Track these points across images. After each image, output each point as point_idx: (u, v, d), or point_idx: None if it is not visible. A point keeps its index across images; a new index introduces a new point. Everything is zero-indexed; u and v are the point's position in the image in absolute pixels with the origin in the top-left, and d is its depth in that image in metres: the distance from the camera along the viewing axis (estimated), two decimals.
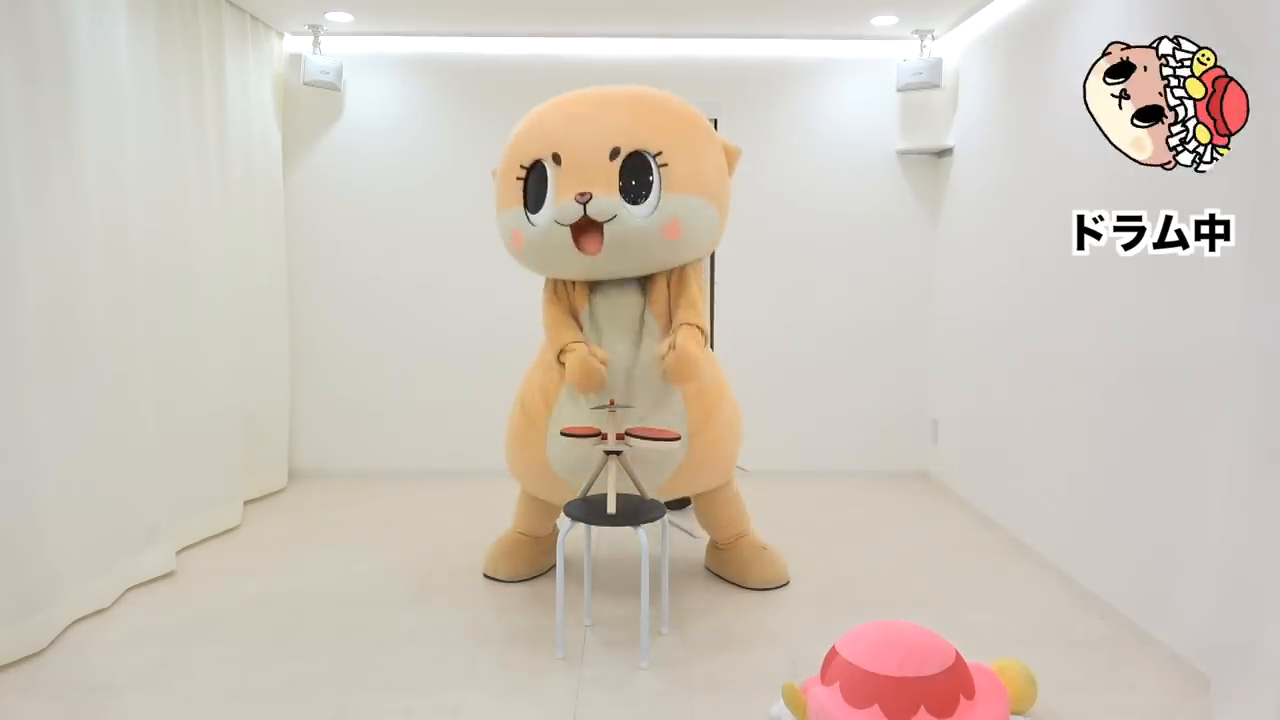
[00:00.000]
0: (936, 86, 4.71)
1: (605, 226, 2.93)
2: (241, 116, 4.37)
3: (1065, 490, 3.54)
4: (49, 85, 2.97)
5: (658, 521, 2.96)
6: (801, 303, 5.11)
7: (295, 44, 4.91)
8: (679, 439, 3.02)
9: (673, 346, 2.95)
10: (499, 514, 4.37)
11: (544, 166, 3.01)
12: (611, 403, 3.05)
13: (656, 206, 2.97)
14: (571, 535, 3.90)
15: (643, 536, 2.81)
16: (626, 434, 2.98)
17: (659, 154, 2.97)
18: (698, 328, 3.08)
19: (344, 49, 4.90)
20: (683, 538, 4.05)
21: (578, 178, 2.94)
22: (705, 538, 3.91)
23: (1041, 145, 3.77)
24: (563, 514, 3.38)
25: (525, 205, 3.06)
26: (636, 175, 2.96)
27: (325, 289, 5.06)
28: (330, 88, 4.77)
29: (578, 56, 4.93)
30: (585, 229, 2.96)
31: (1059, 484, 3.59)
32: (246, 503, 4.47)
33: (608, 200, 2.92)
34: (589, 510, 2.91)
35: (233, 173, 4.29)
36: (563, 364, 3.09)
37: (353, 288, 5.06)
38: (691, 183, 3.04)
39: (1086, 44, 3.40)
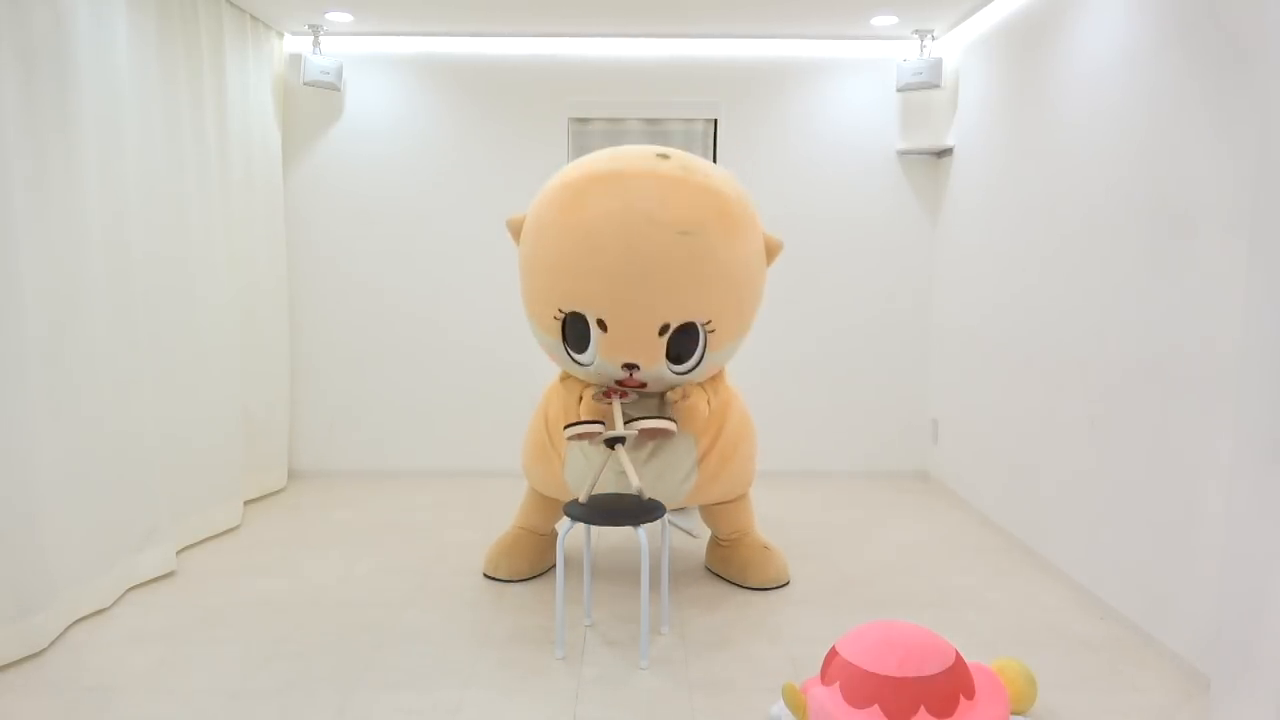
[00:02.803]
0: (936, 86, 4.71)
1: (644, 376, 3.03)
2: (241, 116, 4.37)
3: (1065, 490, 3.54)
4: (49, 85, 2.97)
5: (658, 521, 2.96)
6: (801, 303, 5.11)
7: (295, 44, 4.91)
8: (675, 423, 3.08)
9: (685, 395, 3.07)
10: (499, 514, 4.38)
11: (585, 318, 2.95)
12: (612, 390, 3.06)
13: (699, 364, 3.04)
14: (572, 535, 3.91)
15: (643, 536, 2.81)
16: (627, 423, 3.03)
17: (708, 322, 2.96)
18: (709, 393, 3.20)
19: (344, 49, 4.91)
20: (683, 537, 4.05)
21: (625, 348, 2.94)
22: (705, 537, 3.91)
23: (1041, 145, 3.77)
24: (563, 514, 3.39)
25: (564, 340, 3.04)
26: (683, 340, 2.97)
27: (325, 289, 5.06)
28: (330, 88, 4.77)
29: (578, 56, 4.93)
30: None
31: (1059, 484, 3.59)
32: (246, 503, 4.48)
33: (655, 370, 2.99)
34: (589, 510, 2.91)
35: (233, 173, 4.29)
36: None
37: (353, 288, 5.06)
38: (736, 334, 3.08)
39: (1086, 44, 3.40)
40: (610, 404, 3.11)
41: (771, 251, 3.15)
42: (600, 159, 3.02)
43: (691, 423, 3.11)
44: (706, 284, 2.89)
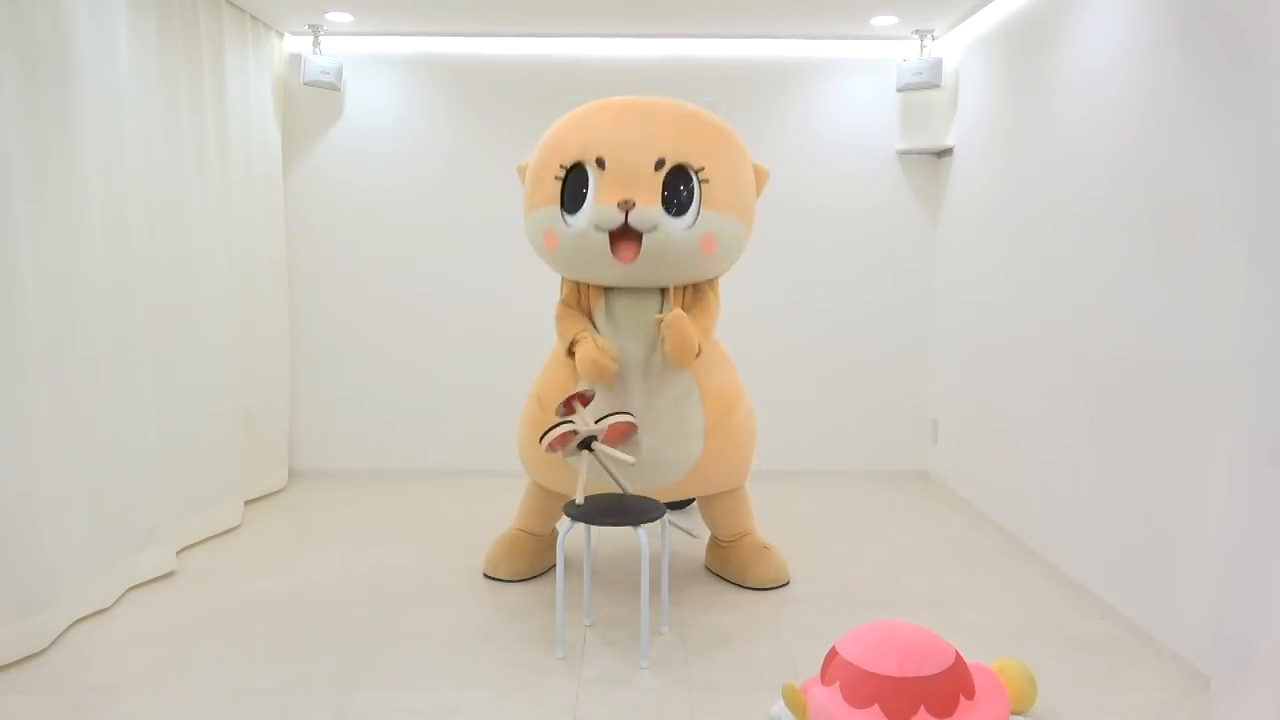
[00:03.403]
0: (936, 86, 4.71)
1: (644, 236, 2.97)
2: (241, 116, 4.37)
3: (1065, 490, 3.54)
4: (49, 85, 2.97)
5: (658, 521, 2.96)
6: (801, 303, 5.11)
7: (295, 44, 4.91)
8: (636, 429, 3.10)
9: (662, 320, 3.04)
10: (499, 514, 4.38)
11: (585, 169, 3.02)
12: (575, 397, 3.04)
13: (695, 221, 3.02)
14: (571, 535, 3.91)
15: (643, 536, 2.81)
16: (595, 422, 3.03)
17: (701, 169, 3.01)
18: (702, 329, 3.17)
19: (344, 49, 4.91)
20: (683, 537, 4.05)
21: (621, 185, 2.95)
22: (705, 537, 3.91)
23: (1041, 145, 3.77)
24: (563, 514, 3.38)
25: (562, 205, 3.07)
26: (678, 188, 3.00)
27: (325, 289, 5.06)
28: (330, 88, 4.77)
29: (578, 56, 4.93)
30: (623, 236, 2.99)
31: (1059, 484, 3.59)
32: (246, 503, 4.48)
33: (650, 210, 2.95)
34: (589, 510, 2.91)
35: (233, 173, 4.29)
36: (573, 355, 3.16)
37: (353, 287, 5.06)
38: (729, 200, 3.09)
39: (1086, 44, 3.40)
40: (572, 415, 3.08)
41: (760, 177, 3.27)
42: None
43: (680, 347, 3.01)
44: (704, 135, 3.07)
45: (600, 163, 2.98)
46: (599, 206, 2.96)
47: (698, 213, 3.01)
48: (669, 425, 3.15)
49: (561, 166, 3.05)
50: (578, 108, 3.26)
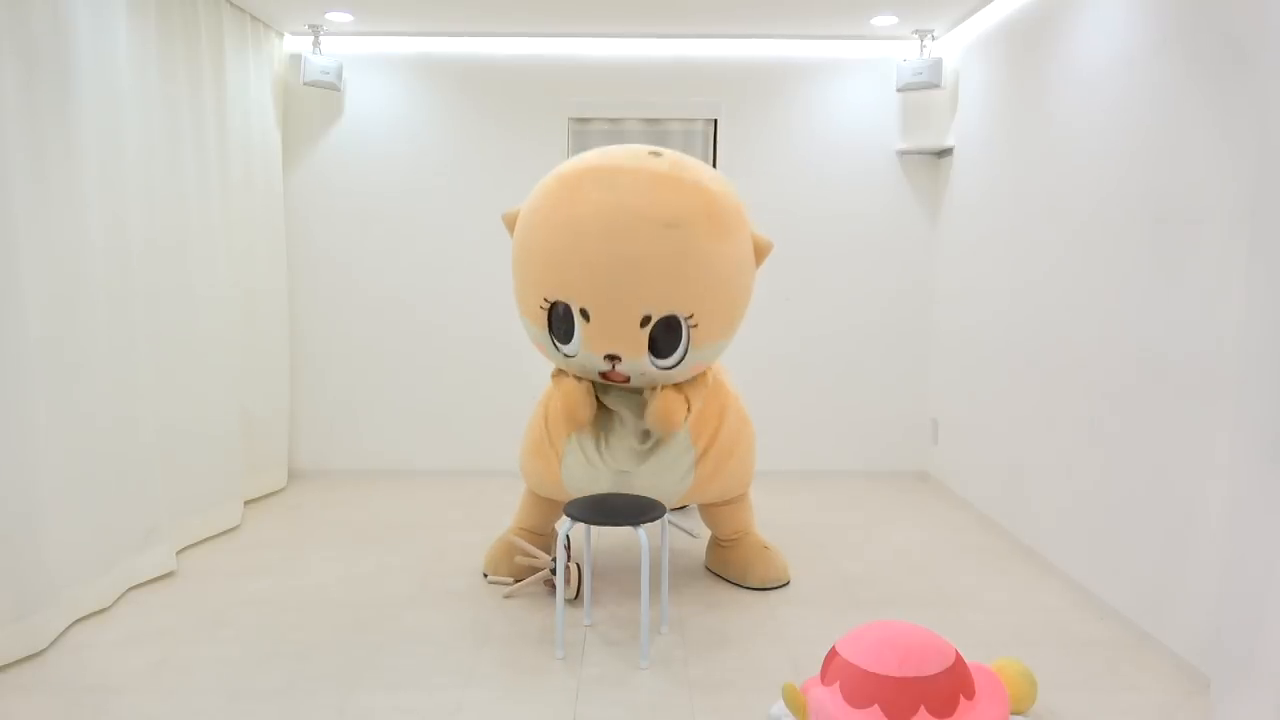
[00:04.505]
0: (936, 86, 4.71)
1: (632, 376, 3.05)
2: (241, 116, 4.37)
3: (1065, 490, 3.54)
4: (49, 85, 2.97)
5: (658, 521, 2.96)
6: (801, 303, 5.11)
7: (295, 44, 4.91)
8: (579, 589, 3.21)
9: (659, 406, 3.08)
10: (499, 514, 4.38)
11: (570, 307, 2.98)
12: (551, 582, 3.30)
13: (682, 360, 3.03)
14: (571, 535, 3.90)
15: (643, 536, 2.81)
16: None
17: (690, 316, 2.96)
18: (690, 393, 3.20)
19: (344, 49, 4.91)
20: (683, 537, 4.05)
21: (607, 338, 2.95)
22: (705, 537, 3.91)
23: (1041, 145, 3.77)
24: (563, 514, 3.39)
25: (551, 331, 3.06)
26: (666, 334, 2.97)
27: (325, 289, 5.06)
28: (330, 88, 4.77)
29: (578, 56, 4.93)
30: (614, 367, 3.04)
31: (1059, 484, 3.59)
32: (246, 503, 4.48)
33: (636, 363, 2.99)
34: (589, 510, 2.91)
35: (232, 173, 4.29)
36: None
37: (352, 287, 5.06)
38: (720, 331, 3.08)
39: (1086, 44, 3.40)
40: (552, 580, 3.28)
41: (761, 252, 3.15)
42: (593, 155, 3.08)
43: (666, 421, 3.06)
44: (690, 278, 2.90)
45: (585, 314, 2.94)
46: (586, 353, 3.00)
47: (685, 353, 3.02)
48: (658, 462, 3.20)
49: (546, 300, 3.01)
50: (553, 198, 2.98)
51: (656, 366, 3.01)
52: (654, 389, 3.14)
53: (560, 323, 3.01)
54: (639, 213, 2.85)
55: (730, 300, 3.06)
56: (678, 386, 3.15)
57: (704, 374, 3.26)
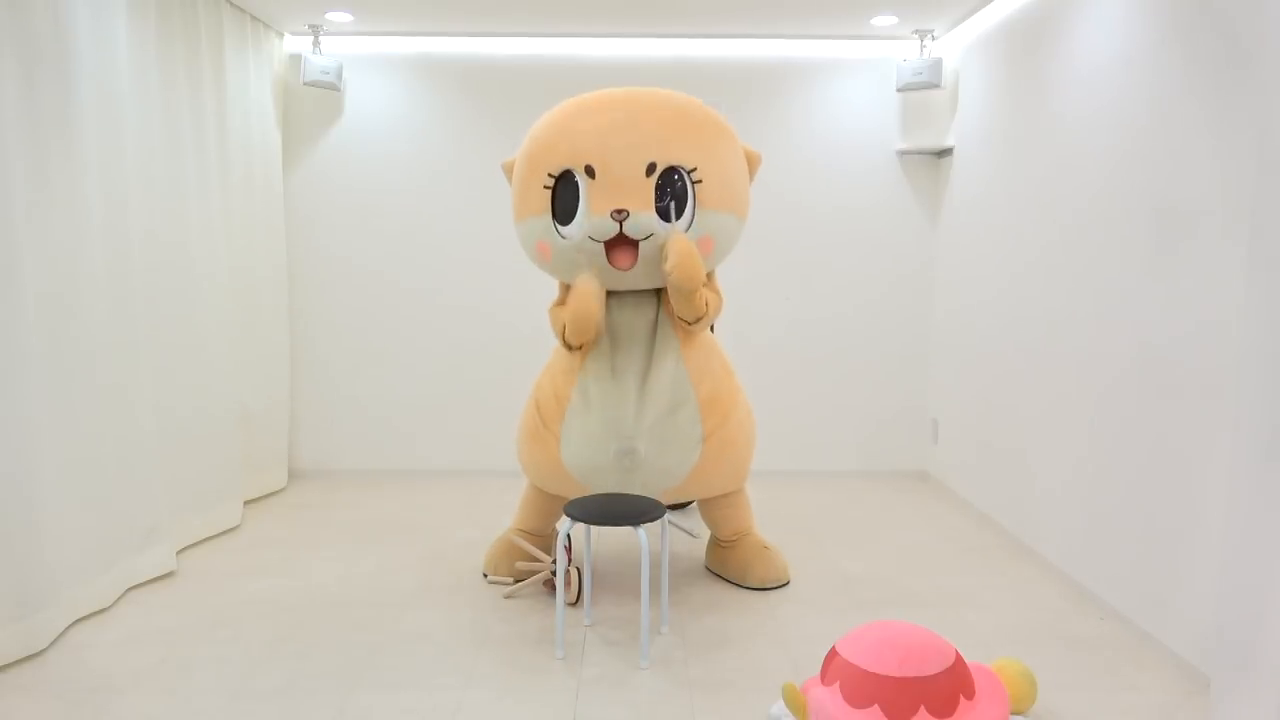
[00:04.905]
0: (936, 86, 4.71)
1: (640, 242, 2.97)
2: (241, 116, 4.37)
3: (1065, 490, 3.54)
4: (49, 85, 2.97)
5: (658, 521, 2.96)
6: (802, 302, 5.11)
7: (295, 44, 4.91)
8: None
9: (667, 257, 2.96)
10: (499, 514, 4.38)
11: (574, 176, 2.99)
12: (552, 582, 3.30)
13: (691, 223, 3.00)
14: (571, 535, 3.90)
15: (643, 536, 2.81)
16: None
17: (694, 170, 2.97)
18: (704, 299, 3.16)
19: (344, 49, 4.91)
20: (683, 537, 4.05)
21: (613, 193, 2.93)
22: (705, 537, 3.91)
23: (1041, 145, 3.77)
24: (563, 514, 3.39)
25: (554, 215, 3.04)
26: (671, 191, 2.97)
27: (325, 288, 5.06)
28: (330, 88, 4.77)
29: (578, 56, 4.93)
30: (619, 243, 2.99)
31: (1059, 483, 3.59)
32: (246, 503, 4.48)
33: (644, 218, 2.94)
34: (589, 510, 2.91)
35: (233, 172, 4.29)
36: (567, 345, 3.18)
37: (352, 287, 5.07)
38: (724, 198, 3.07)
39: (1086, 44, 3.40)
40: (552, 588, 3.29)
41: (752, 163, 3.24)
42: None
43: (684, 259, 2.90)
44: (691, 132, 3.02)
45: (590, 171, 2.95)
46: (593, 217, 2.95)
47: (693, 215, 3.00)
48: (666, 433, 3.15)
49: (550, 175, 3.01)
50: (559, 105, 3.20)
51: (667, 228, 2.98)
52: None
53: (563, 200, 3.01)
54: (640, 94, 3.09)
55: (731, 173, 3.10)
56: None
57: (715, 278, 3.28)
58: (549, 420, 3.26)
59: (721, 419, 3.24)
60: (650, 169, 2.94)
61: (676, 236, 2.98)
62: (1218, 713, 2.30)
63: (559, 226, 3.03)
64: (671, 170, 2.97)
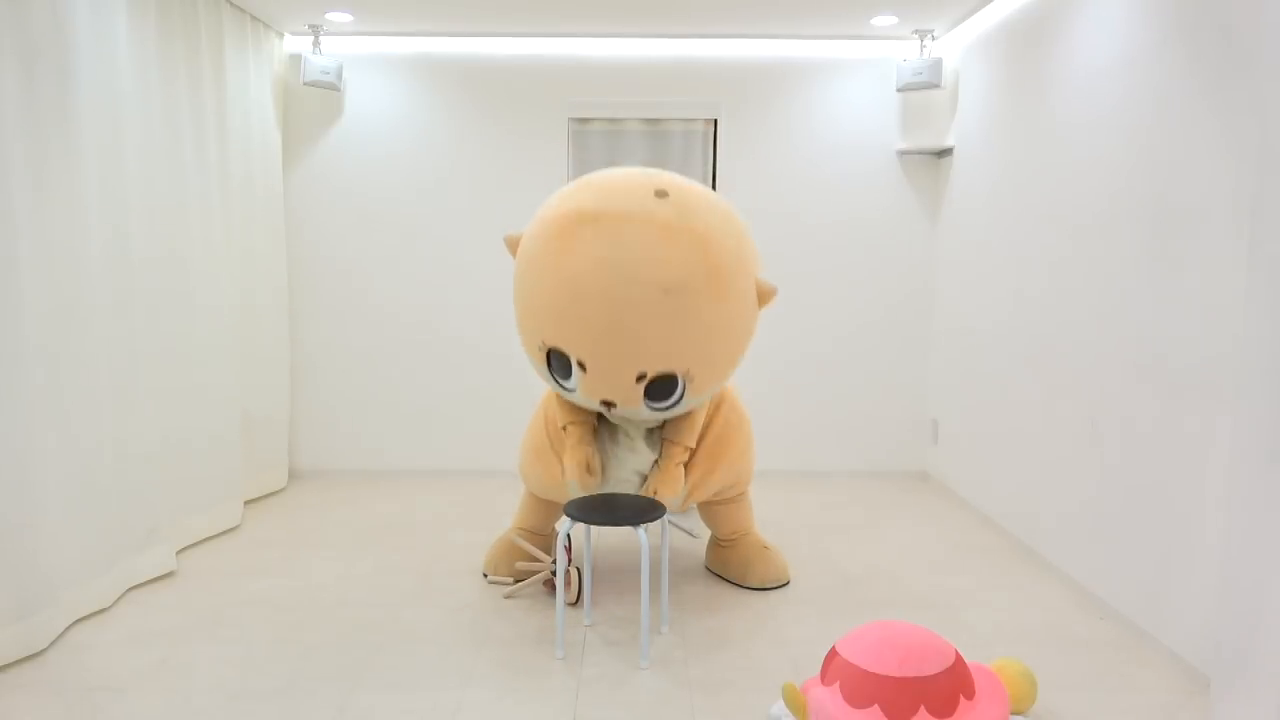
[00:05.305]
0: (936, 86, 4.71)
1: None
2: (241, 116, 4.37)
3: (1065, 490, 3.54)
4: (49, 85, 2.97)
5: (658, 521, 2.96)
6: (802, 303, 5.11)
7: (295, 44, 4.91)
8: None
9: (654, 491, 3.15)
10: (499, 514, 4.38)
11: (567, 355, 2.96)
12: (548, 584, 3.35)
13: (678, 405, 3.04)
14: (572, 535, 3.90)
15: (643, 536, 2.81)
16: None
17: (686, 371, 2.94)
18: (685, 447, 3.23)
19: (344, 49, 4.91)
20: (683, 537, 4.05)
21: (603, 389, 2.95)
22: (705, 537, 3.91)
23: (1041, 145, 3.77)
24: (563, 514, 3.39)
25: (550, 368, 3.05)
26: (662, 386, 2.96)
27: (325, 289, 5.06)
28: (330, 88, 4.77)
29: (578, 56, 4.93)
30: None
31: (1059, 484, 3.59)
32: (246, 503, 4.48)
33: (631, 410, 3.01)
34: (589, 510, 2.91)
35: (233, 172, 4.29)
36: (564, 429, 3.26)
37: (352, 288, 5.06)
38: (717, 379, 3.07)
39: (1086, 44, 3.40)
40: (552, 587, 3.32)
41: (764, 297, 3.06)
42: (594, 189, 2.93)
43: (664, 499, 3.15)
44: (687, 340, 2.86)
45: (582, 365, 2.93)
46: (584, 396, 3.01)
47: (680, 400, 3.02)
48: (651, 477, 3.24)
49: (544, 344, 2.99)
50: (553, 244, 2.88)
51: (653, 410, 3.02)
52: (659, 435, 3.22)
53: (559, 363, 2.99)
54: (637, 276, 2.76)
55: (729, 352, 3.03)
56: (673, 441, 3.21)
57: (697, 412, 3.26)
58: (557, 444, 3.30)
59: (708, 431, 3.33)
60: (640, 377, 2.91)
61: (655, 478, 3.18)
62: (1218, 713, 2.30)
63: (557, 378, 3.06)
64: (663, 374, 2.93)
